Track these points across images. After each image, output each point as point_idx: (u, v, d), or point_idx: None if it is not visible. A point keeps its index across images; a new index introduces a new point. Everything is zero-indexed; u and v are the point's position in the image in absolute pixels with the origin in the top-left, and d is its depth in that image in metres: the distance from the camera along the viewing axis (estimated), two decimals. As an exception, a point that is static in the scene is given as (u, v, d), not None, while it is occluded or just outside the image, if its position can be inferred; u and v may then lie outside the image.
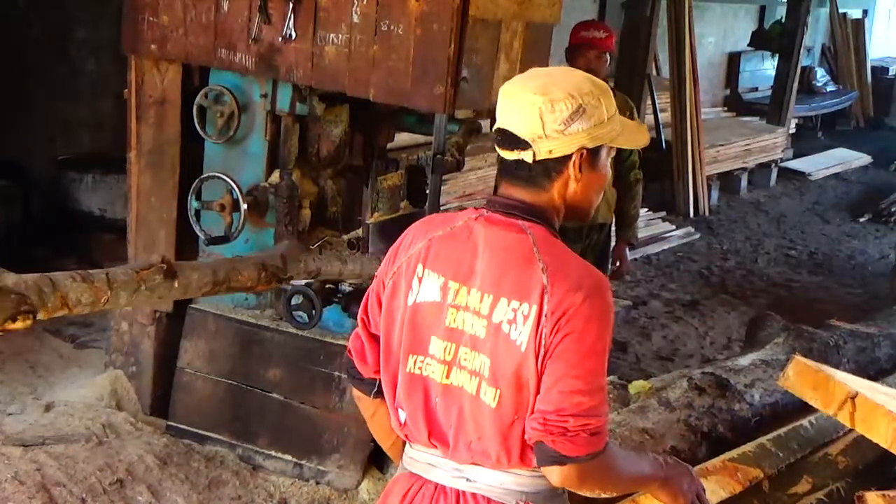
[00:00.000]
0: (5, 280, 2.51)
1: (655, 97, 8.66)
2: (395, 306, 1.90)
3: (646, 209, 8.18)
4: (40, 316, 2.57)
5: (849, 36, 14.12)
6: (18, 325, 2.53)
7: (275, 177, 3.73)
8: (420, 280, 1.86)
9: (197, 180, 3.78)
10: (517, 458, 1.83)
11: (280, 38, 3.49)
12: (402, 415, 1.92)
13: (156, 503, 3.50)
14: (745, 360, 3.63)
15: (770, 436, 2.80)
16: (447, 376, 1.84)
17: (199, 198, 3.78)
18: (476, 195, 6.65)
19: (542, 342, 1.74)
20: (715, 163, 9.22)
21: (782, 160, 10.58)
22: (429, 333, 1.86)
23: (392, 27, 3.29)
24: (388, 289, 1.92)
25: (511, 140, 1.81)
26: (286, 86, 3.61)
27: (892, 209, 9.39)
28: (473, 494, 1.88)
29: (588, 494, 1.87)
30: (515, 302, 1.77)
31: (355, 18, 3.35)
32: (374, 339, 1.97)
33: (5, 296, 2.47)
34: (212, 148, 3.84)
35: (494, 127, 1.86)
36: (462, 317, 1.83)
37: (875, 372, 3.86)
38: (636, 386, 3.45)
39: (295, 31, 3.46)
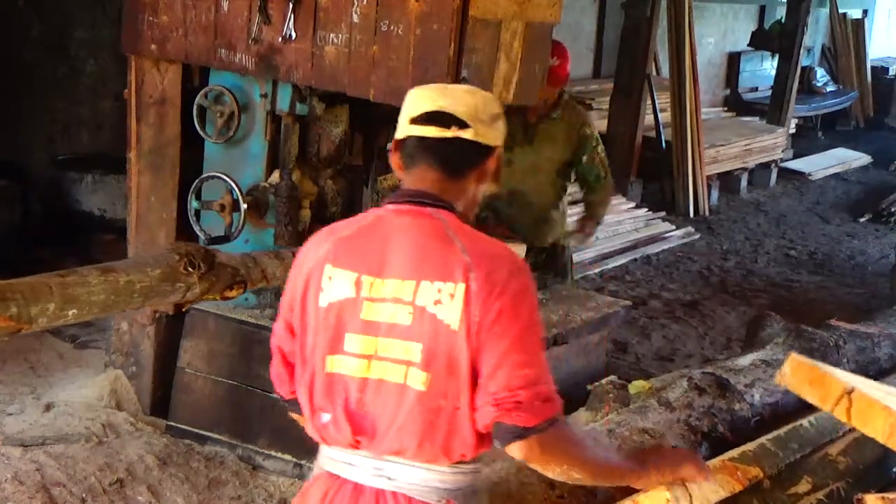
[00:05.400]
0: (219, 257, 2.93)
1: (655, 97, 8.66)
2: (307, 312, 1.89)
3: (646, 209, 8.18)
4: (249, 287, 2.97)
5: (849, 36, 14.11)
6: (233, 293, 2.93)
7: (275, 177, 3.73)
8: (330, 279, 1.86)
9: (197, 180, 3.79)
10: (440, 447, 1.82)
11: (280, 38, 3.49)
12: (325, 417, 1.90)
13: (156, 503, 3.50)
14: (745, 360, 3.63)
15: (770, 436, 2.79)
16: (368, 370, 1.84)
17: (199, 198, 3.78)
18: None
19: (474, 320, 1.76)
20: (715, 163, 9.21)
21: (782, 160, 10.57)
22: (343, 331, 1.85)
23: (392, 27, 3.30)
24: (299, 298, 1.91)
25: (449, 119, 1.86)
26: (286, 86, 3.61)
27: (892, 209, 9.38)
28: (394, 493, 1.87)
29: (555, 475, 1.86)
30: (439, 283, 1.79)
31: (355, 18, 3.35)
32: (292, 366, 1.97)
33: (223, 269, 2.86)
34: (212, 148, 3.84)
35: (419, 112, 1.89)
36: (378, 308, 1.82)
37: (875, 372, 3.85)
38: (636, 386, 3.44)
39: (295, 31, 3.46)
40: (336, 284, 1.85)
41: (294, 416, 2.06)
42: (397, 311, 1.81)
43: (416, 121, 1.89)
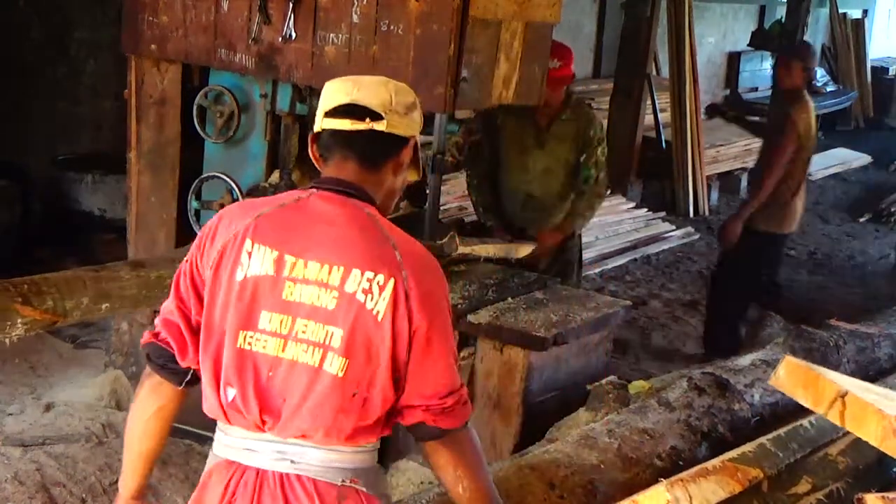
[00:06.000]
0: None
1: (655, 97, 8.65)
2: (219, 284, 1.87)
3: (646, 209, 8.18)
4: None
5: (849, 36, 14.10)
6: None
7: (275, 177, 3.73)
8: (249, 254, 1.85)
9: (197, 180, 3.79)
10: (347, 433, 1.83)
11: (280, 38, 3.49)
12: (232, 392, 1.88)
13: (156, 503, 3.50)
14: (745, 360, 3.62)
15: (770, 436, 2.79)
16: (283, 350, 1.83)
17: (199, 198, 3.78)
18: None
19: (408, 318, 1.79)
20: (715, 163, 9.21)
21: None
22: (259, 308, 1.84)
23: (392, 27, 3.30)
24: (210, 270, 1.88)
25: (362, 111, 1.88)
26: (286, 86, 3.61)
27: (892, 209, 9.37)
28: (298, 476, 1.85)
29: (448, 478, 1.89)
30: (370, 272, 1.80)
31: (355, 18, 3.36)
32: (195, 329, 1.93)
33: None
34: (212, 148, 3.84)
35: (334, 105, 1.90)
36: (300, 290, 1.82)
37: (875, 372, 3.85)
38: (636, 386, 3.44)
39: (295, 31, 3.46)
40: (255, 260, 1.84)
41: (158, 382, 2.02)
42: (322, 295, 1.81)
43: (330, 114, 1.91)
